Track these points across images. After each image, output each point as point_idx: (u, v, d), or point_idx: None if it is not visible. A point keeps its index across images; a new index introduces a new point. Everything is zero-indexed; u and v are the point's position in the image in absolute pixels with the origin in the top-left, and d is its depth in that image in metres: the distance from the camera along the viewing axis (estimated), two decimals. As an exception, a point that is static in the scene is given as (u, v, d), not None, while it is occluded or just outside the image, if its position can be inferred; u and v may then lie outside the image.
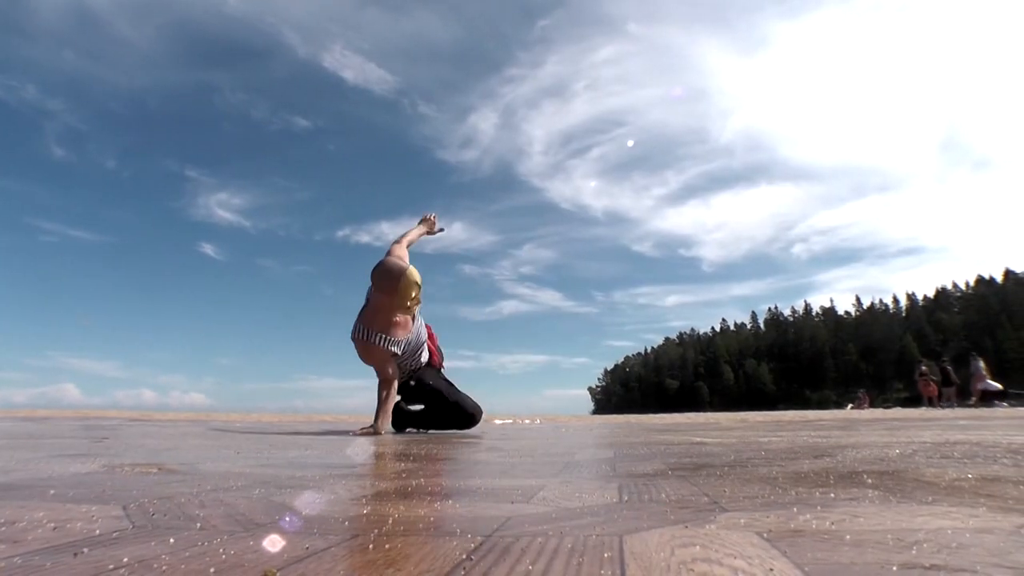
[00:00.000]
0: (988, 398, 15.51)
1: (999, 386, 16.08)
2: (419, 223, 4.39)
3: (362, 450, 2.34)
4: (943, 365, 17.50)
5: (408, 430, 4.12)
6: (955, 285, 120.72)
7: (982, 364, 16.35)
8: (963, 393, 16.91)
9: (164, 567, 0.60)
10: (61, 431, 3.99)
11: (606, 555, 0.62)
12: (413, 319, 3.95)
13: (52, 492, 1.14)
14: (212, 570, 0.59)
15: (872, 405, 29.37)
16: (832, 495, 1.01)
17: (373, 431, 3.63)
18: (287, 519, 0.86)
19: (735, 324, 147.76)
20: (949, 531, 0.71)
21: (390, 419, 3.87)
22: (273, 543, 0.70)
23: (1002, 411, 10.03)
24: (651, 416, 14.18)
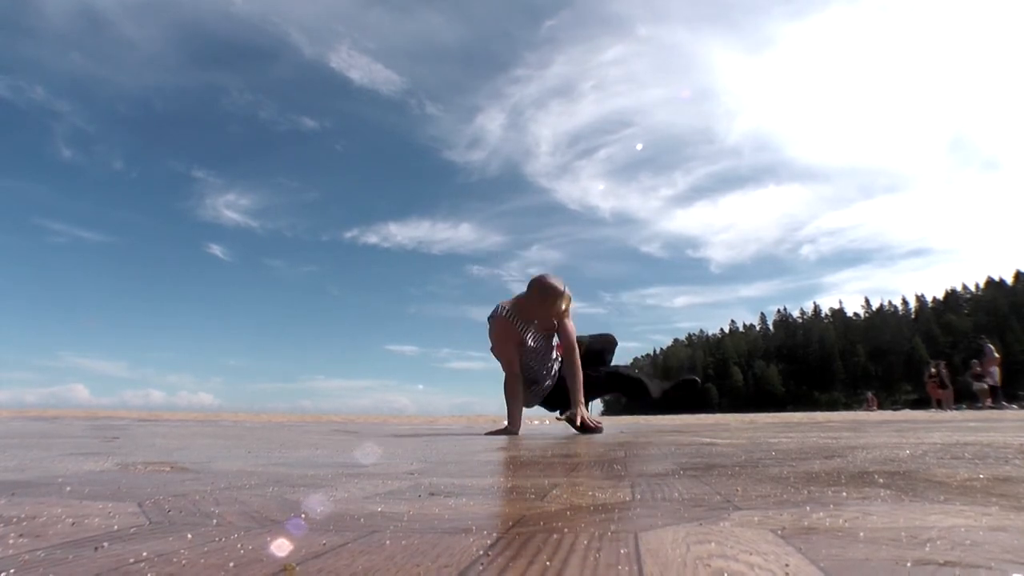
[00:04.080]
0: (993, 393, 15.29)
1: (997, 382, 15.78)
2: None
3: (373, 451, 2.35)
4: (939, 368, 17.23)
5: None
6: (964, 287, 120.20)
7: (992, 347, 16.06)
8: (960, 396, 16.64)
9: (184, 561, 0.61)
10: (72, 431, 4.02)
11: (622, 551, 0.63)
12: (550, 335, 4.07)
13: (68, 489, 1.15)
14: (231, 564, 0.60)
15: (880, 407, 29.23)
16: (844, 494, 1.01)
17: (507, 431, 3.86)
18: (302, 516, 0.86)
19: (744, 325, 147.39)
20: (962, 529, 0.71)
21: (520, 417, 3.97)
22: (290, 539, 0.71)
23: (1012, 413, 9.97)
24: (660, 417, 14.16)
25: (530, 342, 3.93)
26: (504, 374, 3.96)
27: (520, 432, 3.81)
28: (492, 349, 4.02)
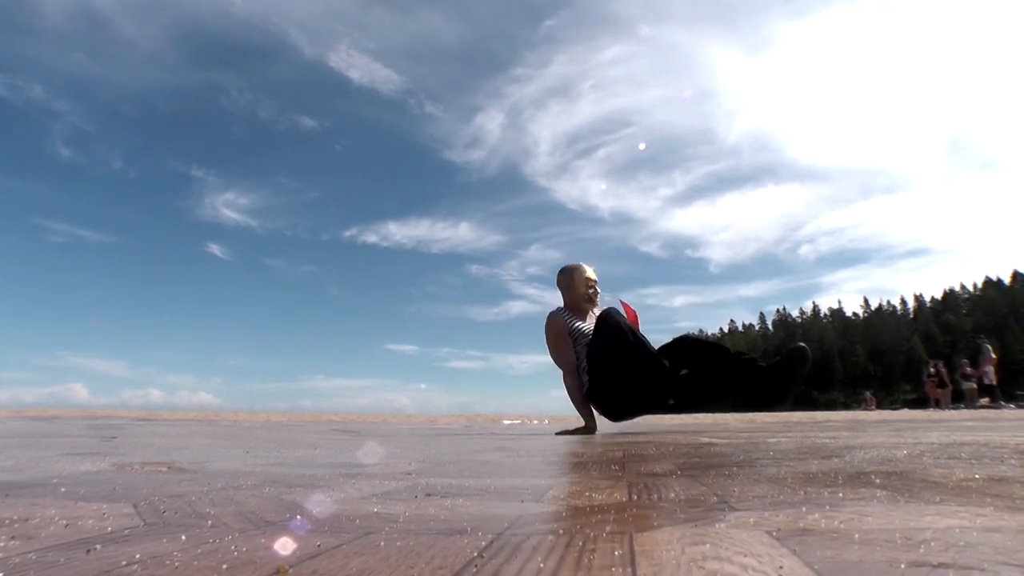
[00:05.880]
0: (990, 392, 15.32)
1: (993, 381, 15.82)
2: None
3: (371, 451, 2.35)
4: (938, 367, 17.23)
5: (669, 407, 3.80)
6: (963, 287, 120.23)
7: (989, 347, 16.13)
8: (959, 396, 16.64)
9: (176, 564, 0.61)
10: (70, 430, 4.01)
11: (616, 553, 0.63)
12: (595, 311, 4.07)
13: (63, 490, 1.15)
14: (224, 567, 0.60)
15: (879, 406, 29.26)
16: (840, 495, 1.01)
17: (584, 431, 3.82)
18: (298, 517, 0.86)
19: (743, 325, 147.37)
20: (957, 530, 0.71)
21: (591, 412, 3.88)
22: (285, 540, 0.71)
23: (1009, 412, 9.97)
24: (661, 417, 14.15)
25: (576, 323, 3.94)
26: (563, 375, 3.91)
27: (526, 432, 3.81)
28: (551, 355, 3.98)
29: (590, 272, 4.06)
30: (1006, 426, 3.89)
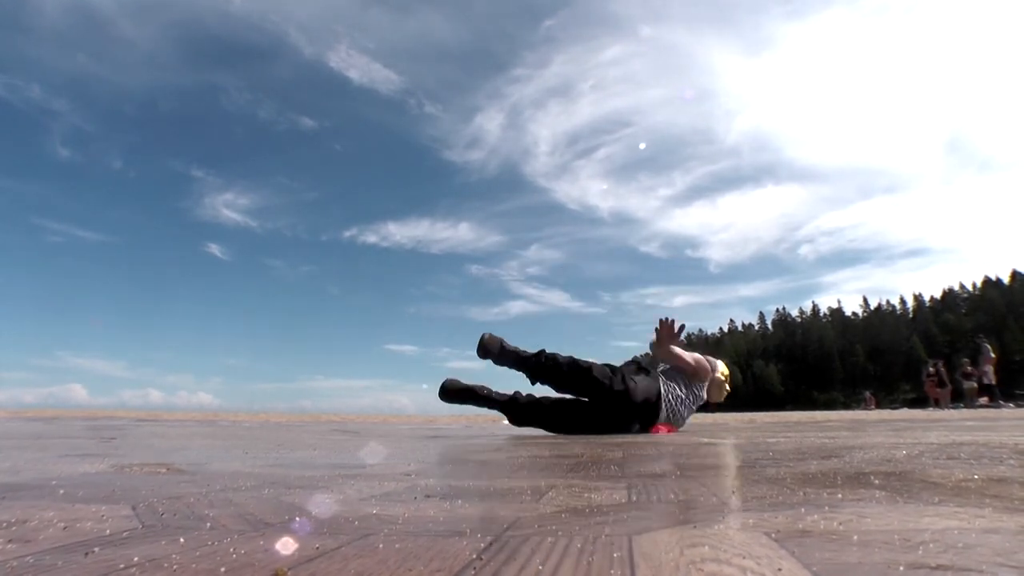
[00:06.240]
0: (989, 392, 15.34)
1: (992, 380, 15.85)
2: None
3: (371, 451, 2.35)
4: (937, 367, 17.24)
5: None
6: (962, 286, 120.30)
7: (989, 347, 16.17)
8: (959, 395, 16.65)
9: (175, 566, 0.61)
10: (69, 431, 4.01)
11: (615, 555, 0.63)
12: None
13: (61, 492, 1.14)
14: (223, 569, 0.59)
15: (879, 406, 29.28)
16: (839, 496, 1.01)
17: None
18: (297, 519, 0.86)
19: (743, 325, 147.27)
20: (955, 531, 0.71)
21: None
22: (283, 543, 0.71)
23: (1009, 412, 9.97)
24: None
25: (678, 390, 4.05)
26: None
27: (523, 431, 3.83)
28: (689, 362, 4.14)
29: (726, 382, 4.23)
30: (1005, 426, 3.89)
